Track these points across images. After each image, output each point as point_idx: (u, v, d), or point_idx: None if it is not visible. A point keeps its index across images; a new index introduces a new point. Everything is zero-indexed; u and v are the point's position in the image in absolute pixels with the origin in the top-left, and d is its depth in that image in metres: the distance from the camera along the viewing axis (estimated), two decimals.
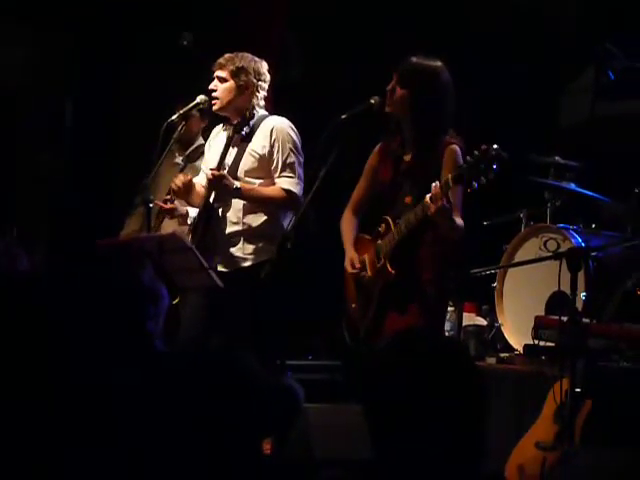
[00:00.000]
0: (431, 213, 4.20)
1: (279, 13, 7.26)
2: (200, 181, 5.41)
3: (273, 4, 7.23)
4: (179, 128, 5.38)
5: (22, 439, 2.61)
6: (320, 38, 7.20)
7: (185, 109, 5.38)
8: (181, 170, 6.06)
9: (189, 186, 5.23)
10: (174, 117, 5.37)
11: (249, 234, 5.18)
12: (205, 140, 5.72)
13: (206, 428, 2.30)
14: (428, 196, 4.20)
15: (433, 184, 4.19)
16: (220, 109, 5.27)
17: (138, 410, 2.68)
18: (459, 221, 4.38)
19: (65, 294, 2.88)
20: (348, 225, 4.84)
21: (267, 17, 7.19)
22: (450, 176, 4.17)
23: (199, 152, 6.15)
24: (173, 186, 5.23)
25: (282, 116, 5.33)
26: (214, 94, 5.25)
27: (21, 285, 2.65)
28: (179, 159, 6.36)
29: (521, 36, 6.69)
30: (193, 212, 5.40)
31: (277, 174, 5.17)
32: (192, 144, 6.27)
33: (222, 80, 5.25)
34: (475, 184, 4.15)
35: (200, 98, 5.36)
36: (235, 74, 5.22)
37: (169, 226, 5.69)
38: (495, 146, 4.08)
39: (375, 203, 4.81)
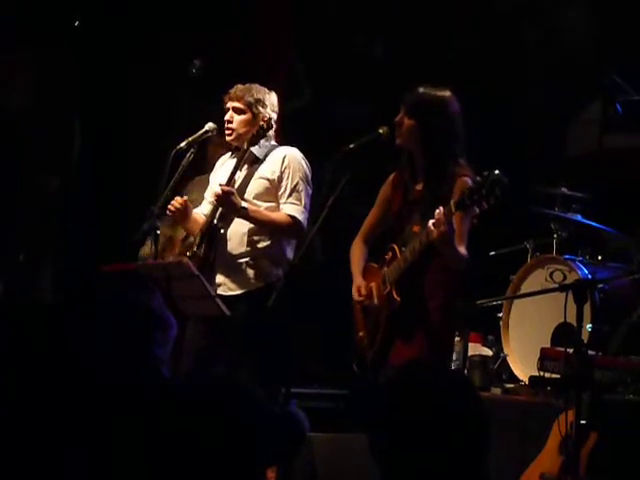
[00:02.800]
0: (432, 238, 4.20)
1: (287, 41, 7.29)
2: (202, 210, 5.41)
3: (281, 32, 7.26)
4: (188, 155, 5.39)
5: (26, 465, 2.61)
6: (327, 66, 7.23)
7: (193, 137, 5.38)
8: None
9: (185, 208, 5.22)
10: (183, 144, 5.37)
11: (252, 257, 5.18)
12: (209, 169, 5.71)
13: (209, 456, 2.30)
14: (431, 221, 4.20)
15: (437, 210, 4.19)
16: (234, 139, 5.28)
17: (143, 435, 2.68)
18: (462, 250, 4.37)
19: (74, 319, 2.89)
20: (357, 253, 4.84)
21: (275, 45, 7.23)
22: (452, 202, 4.18)
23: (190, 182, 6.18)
24: (170, 206, 5.22)
25: (289, 144, 5.35)
26: (230, 125, 5.26)
27: None
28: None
29: (529, 66, 6.72)
30: None
31: (284, 200, 5.18)
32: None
33: (238, 111, 5.26)
34: (476, 209, 4.16)
35: (209, 126, 5.37)
36: (252, 106, 5.24)
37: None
38: (496, 172, 4.08)
39: (386, 232, 4.82)
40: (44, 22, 7.25)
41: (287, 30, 7.27)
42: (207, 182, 5.72)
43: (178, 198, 5.27)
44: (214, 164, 5.70)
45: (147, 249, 6.38)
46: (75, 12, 7.20)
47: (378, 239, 4.89)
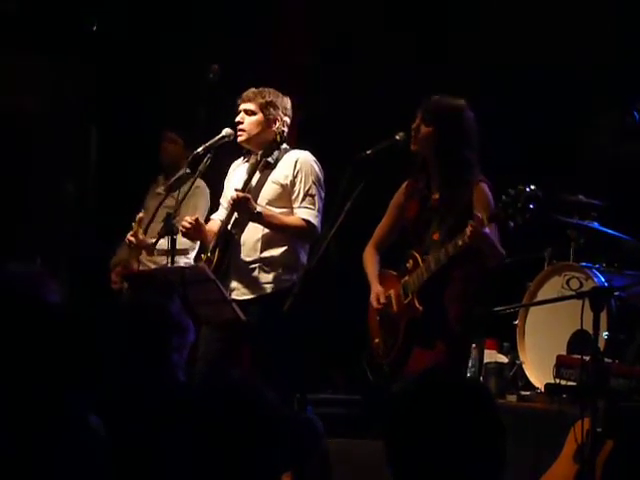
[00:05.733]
0: (468, 237, 4.21)
1: (306, 46, 7.29)
2: (219, 216, 5.42)
3: (301, 37, 7.26)
4: (205, 160, 5.41)
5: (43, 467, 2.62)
6: (344, 71, 7.22)
7: (210, 142, 5.40)
8: (162, 200, 6.14)
9: (198, 225, 5.24)
10: (200, 149, 5.39)
11: (266, 263, 5.18)
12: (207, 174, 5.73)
13: (223, 461, 2.30)
14: (467, 231, 4.22)
15: (469, 222, 4.20)
16: (245, 141, 5.29)
17: (158, 439, 2.69)
18: (499, 247, 4.40)
19: (93, 322, 2.90)
20: (371, 260, 4.84)
21: (295, 50, 7.22)
22: (486, 215, 4.18)
23: (181, 182, 6.23)
24: (181, 228, 5.24)
25: (306, 150, 5.35)
26: (241, 126, 5.28)
27: (49, 318, 2.65)
28: (161, 189, 6.44)
29: (546, 73, 6.69)
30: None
31: (297, 204, 5.18)
32: (176, 173, 6.41)
33: (250, 113, 5.27)
34: (511, 224, 4.15)
35: (225, 131, 5.37)
36: (264, 108, 5.25)
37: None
38: (532, 187, 4.08)
39: (401, 240, 4.82)
40: (60, 27, 7.28)
41: (303, 36, 7.27)
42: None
43: (188, 218, 5.28)
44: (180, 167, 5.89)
45: (118, 257, 6.49)
46: (93, 17, 7.23)
47: (393, 247, 4.89)
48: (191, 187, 5.57)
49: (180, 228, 5.25)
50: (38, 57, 7.44)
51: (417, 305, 4.51)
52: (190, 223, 5.20)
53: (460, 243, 4.29)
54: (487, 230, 4.23)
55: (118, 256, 6.53)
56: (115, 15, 7.27)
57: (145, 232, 5.81)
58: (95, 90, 7.62)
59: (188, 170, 6.12)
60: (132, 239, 5.63)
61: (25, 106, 7.67)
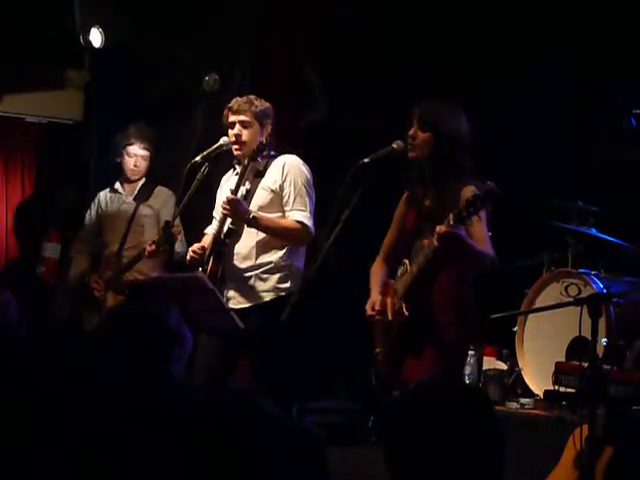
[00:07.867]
0: (437, 241, 4.22)
1: (302, 53, 7.29)
2: (213, 230, 5.42)
3: (297, 43, 7.26)
4: (202, 169, 5.40)
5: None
6: (343, 78, 7.23)
7: (208, 151, 5.40)
8: (135, 211, 6.19)
9: (204, 253, 5.25)
10: (197, 158, 5.39)
11: (263, 270, 5.18)
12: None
13: (222, 470, 2.31)
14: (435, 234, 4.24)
15: (437, 227, 4.22)
16: (245, 154, 5.27)
17: (157, 449, 2.69)
18: (485, 248, 4.39)
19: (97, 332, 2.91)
20: (377, 272, 4.85)
21: (290, 57, 7.23)
22: (451, 215, 4.20)
23: (148, 190, 6.25)
24: (189, 257, 5.26)
25: (304, 157, 5.36)
26: (241, 139, 5.25)
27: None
28: (129, 198, 6.44)
29: (543, 75, 6.71)
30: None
31: (289, 207, 5.19)
32: (137, 181, 6.43)
33: (247, 125, 5.26)
34: (472, 218, 4.19)
35: (223, 140, 5.37)
36: (259, 117, 5.24)
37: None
38: (489, 183, 4.13)
39: (402, 250, 4.83)
40: (60, 29, 7.29)
41: (302, 43, 7.27)
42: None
43: (195, 247, 5.28)
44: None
45: (78, 269, 6.50)
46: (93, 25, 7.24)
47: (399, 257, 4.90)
48: (190, 195, 5.57)
49: (188, 256, 5.26)
50: (38, 58, 7.45)
51: (403, 310, 4.52)
52: (198, 253, 5.22)
53: (433, 246, 4.31)
54: (457, 231, 4.23)
55: (78, 267, 6.53)
56: (116, 18, 7.28)
57: (122, 245, 5.90)
58: (95, 91, 7.64)
59: (145, 179, 6.25)
60: (98, 294, 6.11)
61: (25, 108, 7.70)
